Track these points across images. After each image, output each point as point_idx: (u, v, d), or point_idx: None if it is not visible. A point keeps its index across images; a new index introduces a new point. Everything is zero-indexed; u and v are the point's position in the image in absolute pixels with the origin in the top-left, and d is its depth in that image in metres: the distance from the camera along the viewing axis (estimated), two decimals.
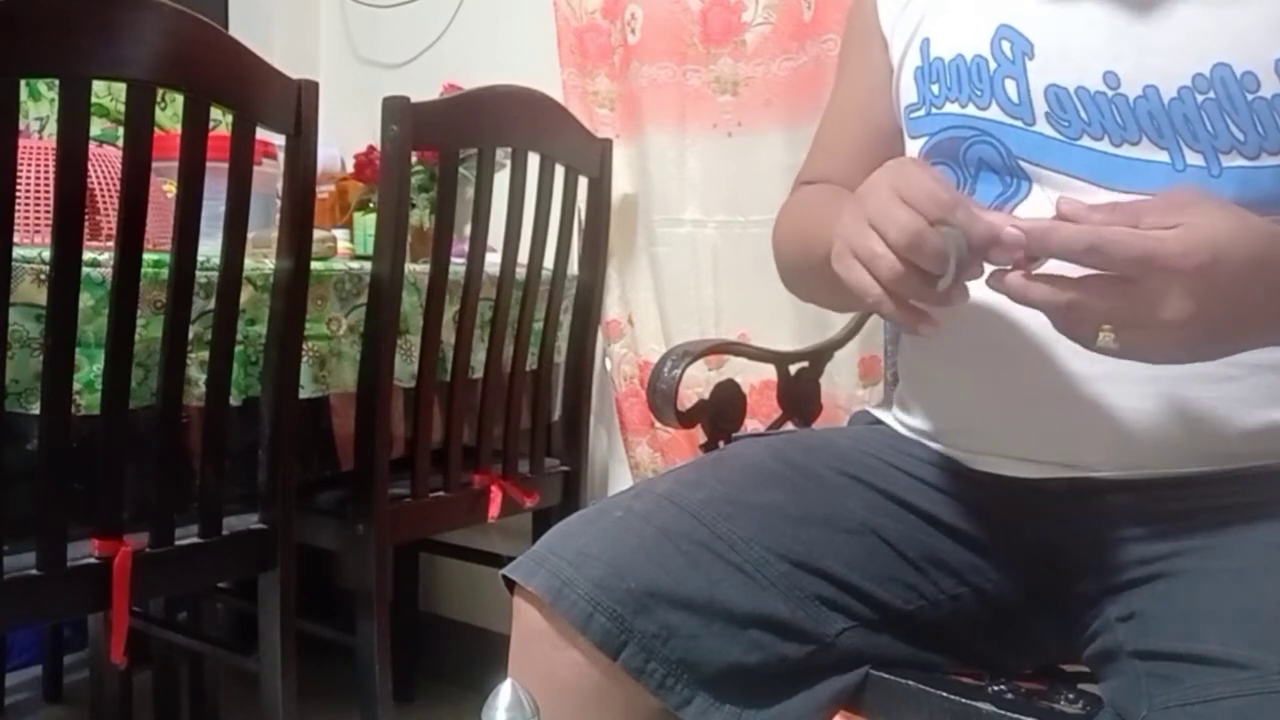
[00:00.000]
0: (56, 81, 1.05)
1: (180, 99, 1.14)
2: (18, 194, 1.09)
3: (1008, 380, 0.80)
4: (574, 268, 1.74)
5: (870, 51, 0.95)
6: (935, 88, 0.86)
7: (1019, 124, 0.81)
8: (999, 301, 0.80)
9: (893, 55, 0.92)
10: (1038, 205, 0.81)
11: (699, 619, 0.75)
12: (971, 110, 0.83)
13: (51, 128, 1.83)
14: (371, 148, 1.84)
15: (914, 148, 0.89)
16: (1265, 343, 0.70)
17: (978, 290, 0.83)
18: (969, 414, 0.85)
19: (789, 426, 1.28)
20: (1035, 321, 0.72)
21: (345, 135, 1.95)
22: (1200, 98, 0.75)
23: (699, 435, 1.20)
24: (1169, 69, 0.76)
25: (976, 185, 0.84)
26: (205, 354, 1.24)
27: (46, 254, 1.07)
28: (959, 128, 0.84)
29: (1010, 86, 0.81)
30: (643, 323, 1.78)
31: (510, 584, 0.80)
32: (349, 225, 1.93)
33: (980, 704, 0.78)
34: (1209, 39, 0.75)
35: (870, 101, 0.96)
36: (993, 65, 0.82)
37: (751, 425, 1.35)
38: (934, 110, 0.86)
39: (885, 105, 0.94)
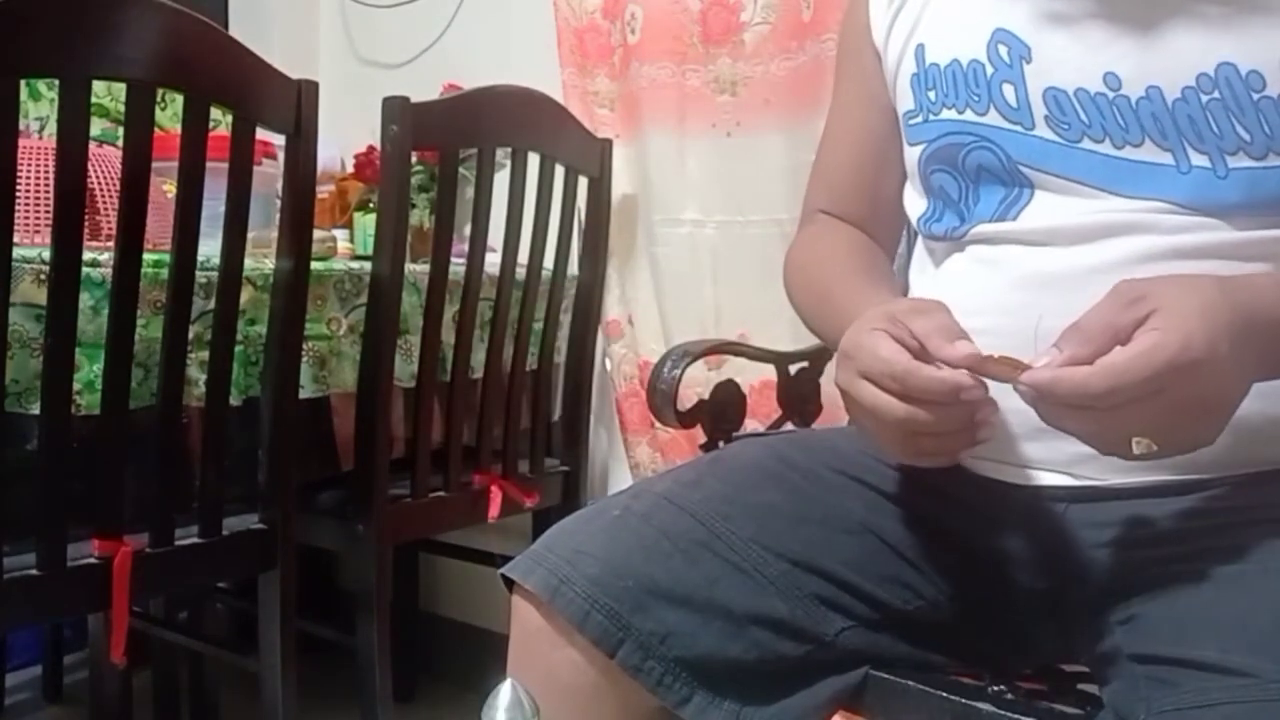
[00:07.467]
0: (56, 81, 1.05)
1: (180, 99, 1.14)
2: (18, 194, 1.09)
3: (1008, 386, 0.79)
4: (574, 268, 1.74)
5: (863, 63, 0.96)
6: (932, 94, 0.85)
7: (1018, 129, 0.80)
8: (996, 306, 0.80)
9: (887, 64, 0.92)
10: (1040, 210, 0.80)
11: (697, 617, 0.75)
12: (969, 116, 0.82)
13: (51, 128, 1.83)
14: (371, 148, 1.85)
15: (913, 155, 0.89)
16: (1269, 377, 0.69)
17: (976, 293, 0.83)
18: None
19: (789, 426, 1.28)
20: (1034, 328, 0.71)
21: (345, 135, 1.95)
22: (1205, 98, 0.74)
23: (699, 435, 1.20)
24: (1172, 68, 0.75)
25: (978, 191, 0.84)
26: (205, 354, 1.24)
27: (46, 254, 1.07)
28: (957, 134, 0.83)
29: (1008, 91, 0.80)
30: (643, 323, 1.78)
31: (509, 583, 0.80)
32: (349, 225, 1.94)
33: (980, 704, 0.78)
34: (1213, 38, 0.74)
35: (864, 116, 0.96)
36: (990, 70, 0.81)
37: (751, 425, 1.35)
38: (931, 117, 0.85)
39: (879, 118, 0.94)
